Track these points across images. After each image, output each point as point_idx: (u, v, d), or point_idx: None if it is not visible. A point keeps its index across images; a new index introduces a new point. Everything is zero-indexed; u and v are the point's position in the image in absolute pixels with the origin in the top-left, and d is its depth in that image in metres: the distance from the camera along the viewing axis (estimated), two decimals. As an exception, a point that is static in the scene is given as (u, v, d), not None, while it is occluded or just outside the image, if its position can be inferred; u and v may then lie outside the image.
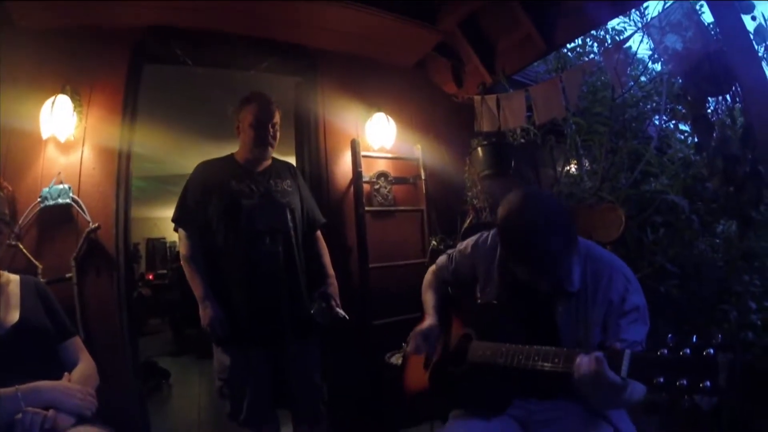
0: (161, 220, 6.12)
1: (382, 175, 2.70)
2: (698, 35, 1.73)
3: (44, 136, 2.08)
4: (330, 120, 2.62)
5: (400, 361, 2.13)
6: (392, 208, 2.72)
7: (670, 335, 0.88)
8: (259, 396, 1.93)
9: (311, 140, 2.59)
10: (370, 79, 2.72)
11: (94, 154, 2.19)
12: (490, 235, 1.52)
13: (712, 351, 0.81)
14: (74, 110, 2.10)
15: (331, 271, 2.11)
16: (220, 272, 1.93)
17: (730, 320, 1.86)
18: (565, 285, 1.26)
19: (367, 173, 2.66)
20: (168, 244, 5.22)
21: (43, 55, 2.12)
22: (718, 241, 2.15)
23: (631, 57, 1.99)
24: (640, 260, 2.04)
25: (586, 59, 2.63)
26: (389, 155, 2.75)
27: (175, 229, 2.01)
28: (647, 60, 2.16)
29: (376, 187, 2.68)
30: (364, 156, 2.64)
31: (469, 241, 1.59)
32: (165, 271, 5.18)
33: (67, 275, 2.05)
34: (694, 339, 0.85)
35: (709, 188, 1.78)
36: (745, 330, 1.88)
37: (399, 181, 2.76)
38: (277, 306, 1.92)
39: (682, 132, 2.40)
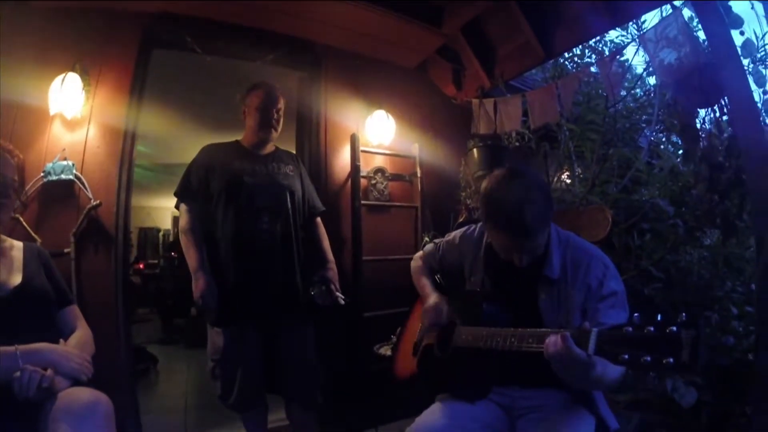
0: (155, 209, 6.12)
1: (380, 170, 2.76)
2: (690, 48, 1.81)
3: (51, 112, 2.11)
4: (331, 114, 2.68)
5: (389, 353, 2.17)
6: (387, 204, 2.79)
7: (636, 314, 0.91)
8: (251, 378, 1.96)
9: (312, 133, 2.66)
10: (373, 77, 2.79)
11: (99, 133, 2.23)
12: (477, 227, 1.58)
13: (675, 328, 0.84)
14: (83, 89, 2.13)
15: (330, 256, 2.16)
16: (217, 247, 1.97)
17: (711, 325, 1.92)
18: (546, 271, 1.32)
19: (365, 168, 2.72)
20: (162, 233, 5.20)
21: (55, 33, 2.15)
22: (705, 254, 2.23)
23: (625, 68, 2.07)
24: (625, 263, 2.12)
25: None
26: (387, 152, 2.81)
27: (177, 205, 2.05)
28: (642, 72, 2.24)
29: (373, 182, 2.74)
30: (363, 151, 2.71)
31: (457, 233, 1.65)
32: (156, 261, 5.19)
33: (66, 250, 2.08)
34: (659, 317, 0.87)
35: (695, 195, 1.85)
36: (726, 335, 1.94)
37: (395, 177, 2.82)
38: (271, 283, 1.96)
39: (673, 144, 2.48)
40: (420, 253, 1.79)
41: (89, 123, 2.21)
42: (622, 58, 2.18)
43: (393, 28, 2.52)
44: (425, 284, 1.68)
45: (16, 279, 1.39)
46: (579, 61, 2.86)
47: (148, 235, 6.23)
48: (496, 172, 1.34)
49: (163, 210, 5.74)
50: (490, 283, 1.46)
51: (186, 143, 2.03)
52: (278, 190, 2.03)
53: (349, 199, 2.68)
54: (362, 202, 2.67)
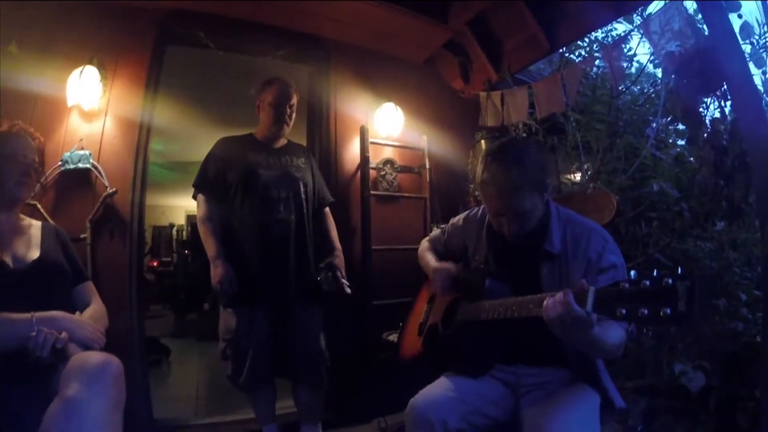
0: (169, 208, 6.20)
1: (389, 162, 2.81)
2: (690, 34, 1.82)
3: (69, 103, 2.19)
4: (340, 107, 2.74)
5: (396, 339, 2.20)
6: (396, 194, 2.83)
7: (633, 271, 0.93)
8: (261, 358, 2.02)
9: (322, 126, 2.72)
10: (381, 71, 2.84)
11: (115, 125, 2.30)
12: (480, 209, 1.61)
13: (670, 281, 0.85)
14: (100, 81, 2.20)
15: (338, 244, 2.23)
16: (234, 236, 2.05)
17: (720, 311, 1.91)
18: (547, 246, 1.34)
19: (374, 160, 2.77)
20: (175, 228, 5.29)
21: (73, 28, 2.22)
22: (711, 246, 2.23)
23: (628, 56, 2.08)
24: (633, 251, 2.12)
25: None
26: (396, 143, 2.86)
27: (194, 196, 2.12)
28: (647, 62, 2.25)
29: (382, 173, 2.79)
30: (372, 143, 2.75)
31: (461, 215, 1.69)
32: (170, 259, 5.28)
33: (82, 236, 2.14)
34: (655, 273, 0.89)
35: (699, 180, 1.85)
36: (735, 321, 1.93)
37: (404, 169, 2.87)
38: (285, 269, 2.04)
39: (679, 133, 2.48)
40: (426, 238, 1.83)
41: (106, 115, 2.28)
42: (628, 52, 2.21)
43: (400, 23, 2.57)
44: (430, 258, 1.71)
45: (34, 254, 1.45)
46: (586, 54, 2.88)
47: (162, 233, 6.29)
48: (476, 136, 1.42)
49: (177, 209, 5.84)
50: (493, 260, 1.49)
51: (200, 140, 2.09)
52: (291, 181, 2.11)
53: (358, 189, 2.73)
54: (371, 192, 2.72)
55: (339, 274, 2.11)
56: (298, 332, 2.06)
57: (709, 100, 1.84)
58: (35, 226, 1.54)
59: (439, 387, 1.39)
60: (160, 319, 4.48)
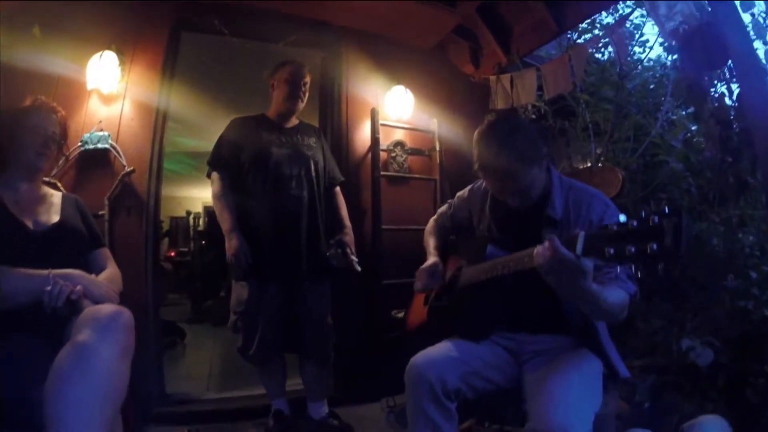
0: (186, 199, 6.33)
1: (399, 144, 2.85)
2: (696, 14, 1.81)
3: (89, 87, 2.27)
4: (352, 90, 2.79)
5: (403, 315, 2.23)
6: (407, 176, 2.87)
7: (622, 216, 0.94)
8: (271, 331, 2.07)
9: (334, 108, 2.77)
10: (392, 56, 2.88)
11: (133, 108, 2.38)
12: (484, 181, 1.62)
13: (656, 218, 0.86)
14: (118, 65, 2.28)
15: (347, 222, 2.27)
16: (247, 212, 2.10)
17: (729, 290, 1.89)
18: (549, 211, 1.35)
19: (385, 142, 2.82)
20: (192, 215, 5.38)
21: (92, 13, 2.29)
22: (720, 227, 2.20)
23: (632, 33, 2.08)
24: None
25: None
26: (406, 126, 2.90)
27: (208, 174, 2.18)
28: (655, 41, 2.24)
29: (393, 155, 2.83)
30: (383, 125, 2.80)
31: (467, 188, 1.72)
32: (187, 249, 5.39)
33: (100, 212, 2.22)
34: (643, 214, 0.90)
35: (707, 157, 1.84)
36: (745, 300, 1.90)
37: (415, 152, 2.91)
38: (297, 244, 2.09)
39: (690, 118, 2.46)
40: (434, 216, 1.86)
41: (124, 98, 2.37)
42: (640, 37, 2.21)
43: (409, 8, 2.60)
44: (429, 244, 1.75)
45: (54, 218, 1.52)
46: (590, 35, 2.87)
47: (180, 223, 6.43)
48: (485, 119, 1.42)
49: (194, 200, 5.94)
50: (495, 228, 1.51)
51: (215, 131, 2.15)
52: (302, 159, 2.16)
53: (369, 170, 2.77)
54: (382, 173, 2.76)
55: (348, 250, 2.15)
56: (307, 307, 2.11)
57: (716, 79, 1.83)
58: (56, 195, 1.61)
59: (440, 348, 1.41)
60: (178, 307, 4.58)
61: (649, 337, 2.10)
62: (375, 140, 2.75)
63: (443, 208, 1.83)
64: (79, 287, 1.29)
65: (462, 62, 2.93)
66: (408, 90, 2.81)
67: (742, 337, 1.80)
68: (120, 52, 2.31)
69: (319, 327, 2.14)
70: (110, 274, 1.57)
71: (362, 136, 2.82)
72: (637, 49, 2.64)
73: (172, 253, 5.60)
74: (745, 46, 1.65)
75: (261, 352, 2.08)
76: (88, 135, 2.26)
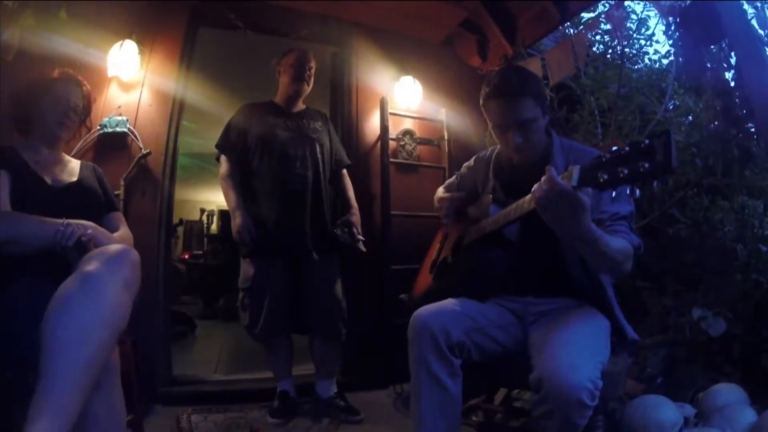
0: (200, 203, 6.40)
1: (408, 132, 2.91)
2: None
3: (110, 74, 2.38)
4: (362, 81, 2.88)
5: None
6: (416, 163, 2.92)
7: (614, 147, 0.95)
8: (277, 308, 2.10)
9: (344, 99, 2.86)
10: (401, 49, 2.96)
11: (151, 95, 2.48)
12: (489, 149, 1.65)
13: (647, 141, 0.88)
14: (138, 53, 2.39)
15: (354, 203, 2.31)
16: (253, 191, 2.16)
17: (739, 260, 1.87)
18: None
19: (394, 131, 2.88)
20: (206, 213, 5.45)
21: (114, 6, 2.41)
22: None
23: (629, 14, 2.12)
24: (651, 206, 2.11)
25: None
26: (415, 115, 2.97)
27: (217, 158, 2.27)
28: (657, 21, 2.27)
29: (402, 143, 2.89)
30: (392, 114, 2.87)
31: (473, 157, 1.73)
32: (200, 252, 5.47)
33: (116, 192, 2.30)
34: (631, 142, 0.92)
35: (710, 128, 1.84)
36: (757, 273, 1.87)
37: (424, 141, 2.97)
38: (302, 222, 2.13)
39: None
40: (442, 186, 1.88)
41: (143, 86, 2.46)
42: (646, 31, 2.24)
43: (419, 3, 2.70)
44: (443, 195, 1.75)
45: (72, 178, 1.59)
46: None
47: (193, 227, 6.51)
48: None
49: (209, 203, 6.02)
50: (499, 189, 1.52)
51: None
52: (308, 141, 2.22)
53: (379, 158, 2.83)
54: (391, 160, 2.82)
55: (355, 230, 2.19)
56: (315, 281, 2.14)
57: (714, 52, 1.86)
58: (74, 161, 1.68)
59: (444, 303, 1.39)
60: (190, 306, 4.63)
61: (660, 317, 2.08)
62: (384, 128, 2.82)
63: (450, 179, 1.85)
64: (90, 231, 1.32)
65: (469, 55, 3.00)
66: (416, 80, 2.88)
67: (756, 307, 1.77)
68: (140, 43, 2.42)
69: (328, 300, 2.16)
70: (123, 233, 1.61)
71: (372, 125, 2.89)
72: (642, 41, 2.68)
73: (186, 256, 5.68)
74: (740, 18, 1.67)
75: (267, 330, 2.11)
76: (107, 119, 2.36)
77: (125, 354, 1.83)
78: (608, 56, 2.58)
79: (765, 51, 1.63)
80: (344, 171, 2.38)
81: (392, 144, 2.87)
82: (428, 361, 1.25)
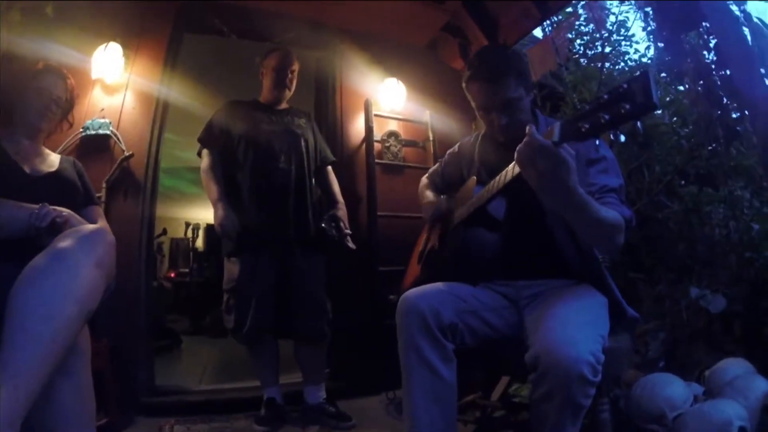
0: (187, 220, 6.27)
1: (393, 134, 2.92)
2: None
3: (93, 76, 2.37)
4: (346, 84, 2.90)
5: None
6: (401, 164, 2.91)
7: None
8: (263, 308, 2.04)
9: (328, 101, 2.87)
10: (385, 52, 2.98)
11: (135, 98, 2.48)
12: (474, 134, 1.64)
13: (624, 84, 0.85)
14: (123, 55, 2.39)
15: (340, 198, 2.28)
16: (236, 186, 2.13)
17: (731, 239, 1.86)
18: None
19: (379, 133, 2.89)
20: (191, 226, 5.34)
21: (99, 9, 2.42)
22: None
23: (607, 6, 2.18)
24: (641, 193, 2.11)
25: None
26: (400, 117, 2.99)
27: (198, 153, 2.22)
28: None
29: (387, 145, 2.89)
30: (377, 115, 2.88)
31: (458, 143, 1.72)
32: (187, 270, 5.36)
33: (98, 195, 2.25)
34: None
35: (694, 110, 1.86)
36: (750, 251, 1.85)
37: (409, 143, 2.97)
38: (285, 216, 2.09)
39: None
40: (426, 174, 1.86)
41: (126, 89, 2.46)
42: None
43: (402, 8, 2.74)
44: (427, 196, 1.74)
45: (51, 169, 1.57)
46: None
47: (180, 244, 6.43)
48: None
49: (195, 221, 5.91)
50: (484, 172, 1.48)
51: None
52: (292, 136, 2.20)
53: (364, 159, 2.82)
54: (376, 161, 2.81)
55: (342, 224, 2.15)
56: (300, 280, 2.09)
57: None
58: (55, 155, 1.67)
59: (434, 285, 1.33)
60: (175, 323, 4.51)
61: (655, 305, 2.05)
62: (369, 129, 2.83)
63: (435, 167, 1.83)
64: (66, 214, 1.30)
65: (452, 58, 3.04)
66: (400, 82, 2.91)
67: (752, 285, 1.75)
68: (125, 46, 2.42)
69: (313, 300, 2.10)
70: (101, 225, 1.58)
71: (357, 126, 2.90)
72: (622, 41, 2.74)
73: (172, 274, 5.58)
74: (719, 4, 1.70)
75: (254, 331, 2.04)
76: (90, 121, 2.34)
77: (100, 352, 1.77)
78: (589, 53, 2.62)
79: (744, 30, 1.66)
80: (329, 167, 2.35)
81: (377, 146, 2.87)
82: (419, 346, 1.16)
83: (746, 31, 1.60)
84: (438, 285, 1.32)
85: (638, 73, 0.87)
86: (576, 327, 1.06)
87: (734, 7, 1.68)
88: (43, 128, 1.61)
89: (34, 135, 1.58)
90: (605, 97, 0.89)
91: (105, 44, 2.37)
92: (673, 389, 1.54)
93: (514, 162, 1.08)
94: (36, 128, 1.57)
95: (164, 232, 3.67)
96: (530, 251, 1.36)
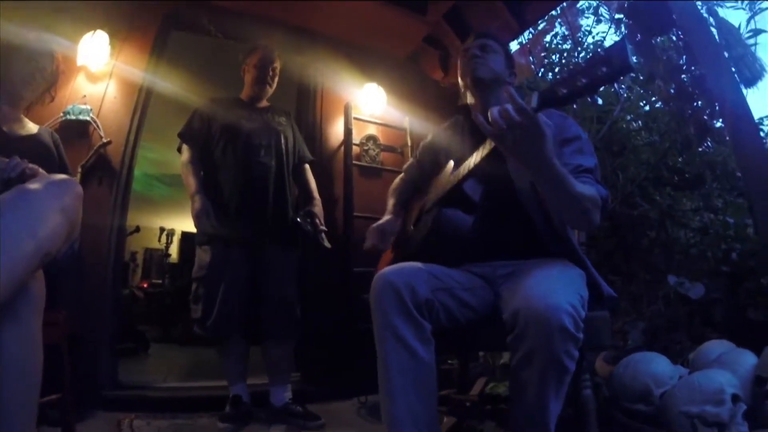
0: (163, 230, 6.13)
1: (372, 138, 2.96)
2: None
3: (79, 62, 2.39)
4: (327, 87, 2.95)
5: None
6: (379, 167, 2.95)
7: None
8: (232, 299, 2.02)
9: (309, 104, 2.92)
10: (367, 59, 3.06)
11: (118, 88, 2.50)
12: (447, 123, 1.63)
13: (600, 51, 0.92)
14: (109, 43, 2.41)
15: (317, 195, 2.29)
16: (215, 178, 2.13)
17: (709, 233, 1.89)
18: None
19: (358, 137, 2.93)
20: (165, 232, 5.20)
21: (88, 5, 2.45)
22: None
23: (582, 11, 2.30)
24: (615, 192, 2.16)
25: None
26: (379, 121, 3.04)
27: (179, 148, 2.22)
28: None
29: (366, 148, 2.93)
30: (356, 119, 2.93)
31: (430, 135, 1.70)
32: (160, 281, 5.22)
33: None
34: None
35: (668, 109, 1.93)
36: (725, 243, 1.89)
37: (387, 148, 3.02)
38: (263, 209, 2.10)
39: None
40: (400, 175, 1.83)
41: (110, 78, 2.48)
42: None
43: (384, 16, 2.82)
44: (389, 204, 1.72)
45: (28, 132, 1.61)
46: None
47: (154, 255, 6.34)
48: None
49: (171, 228, 5.78)
50: (461, 155, 1.45)
51: None
52: (273, 132, 2.23)
53: (342, 161, 2.86)
54: (354, 162, 2.84)
55: (318, 221, 2.15)
56: (271, 275, 2.08)
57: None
58: (33, 124, 1.69)
59: (408, 263, 1.25)
60: (146, 332, 4.38)
61: (633, 303, 2.06)
62: (348, 131, 2.88)
63: (410, 161, 1.80)
64: (36, 167, 1.28)
65: (432, 69, 3.13)
66: (380, 87, 2.98)
67: (730, 276, 1.77)
68: (112, 35, 2.45)
69: (283, 298, 2.08)
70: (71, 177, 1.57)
71: (336, 129, 2.95)
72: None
73: (145, 284, 5.45)
74: (687, 4, 1.80)
75: (220, 324, 2.00)
76: (71, 106, 2.35)
77: (58, 323, 1.69)
78: (563, 61, 2.73)
79: (713, 33, 1.75)
80: (306, 166, 2.36)
81: (356, 148, 2.91)
82: (395, 325, 1.08)
83: (713, 24, 1.71)
84: (413, 263, 1.25)
85: (615, 42, 0.91)
86: (553, 282, 1.04)
87: (699, 3, 1.80)
88: (26, 96, 1.63)
89: (15, 102, 1.60)
90: (582, 64, 0.93)
91: (93, 31, 2.39)
92: (657, 365, 1.51)
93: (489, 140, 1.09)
94: (18, 95, 1.60)
95: (137, 229, 3.59)
96: (506, 232, 1.33)
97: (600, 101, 2.46)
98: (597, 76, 0.88)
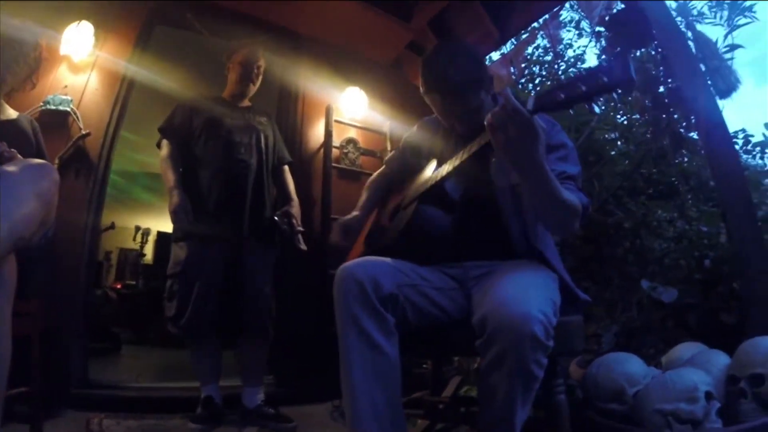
0: (139, 230, 6.02)
1: (351, 141, 2.98)
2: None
3: (62, 52, 2.35)
4: (309, 90, 2.95)
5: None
6: (359, 170, 2.96)
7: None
8: (207, 297, 1.99)
9: (290, 106, 2.92)
10: (350, 65, 3.07)
11: (99, 80, 2.47)
12: (430, 118, 1.59)
13: (604, 61, 0.93)
14: (93, 34, 2.38)
15: (294, 196, 2.27)
16: (195, 174, 2.11)
17: (682, 241, 1.95)
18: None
19: (338, 140, 2.95)
20: (141, 231, 5.08)
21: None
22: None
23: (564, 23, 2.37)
24: (591, 199, 2.21)
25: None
26: (360, 125, 3.06)
27: (158, 143, 2.19)
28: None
29: (345, 151, 2.95)
30: (337, 121, 2.95)
31: (414, 128, 1.70)
32: (134, 282, 5.08)
33: (50, 170, 2.18)
34: None
35: (643, 119, 1.99)
36: (698, 251, 1.94)
37: (367, 152, 3.03)
38: (242, 206, 2.08)
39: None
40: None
41: (92, 69, 2.45)
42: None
43: (368, 20, 2.84)
44: (361, 198, 1.70)
45: (7, 118, 1.59)
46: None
47: (128, 255, 6.16)
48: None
49: (146, 227, 5.65)
50: (444, 156, 1.39)
51: None
52: (253, 131, 2.22)
53: (321, 163, 2.86)
54: (333, 165, 2.85)
55: (294, 221, 2.14)
56: (247, 274, 2.06)
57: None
58: (13, 111, 1.68)
59: (374, 257, 1.23)
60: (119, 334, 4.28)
61: (606, 309, 2.09)
62: (328, 133, 2.90)
63: (392, 154, 1.78)
64: (14, 151, 1.30)
65: (414, 75, 3.12)
66: (362, 91, 2.99)
67: (703, 282, 1.81)
68: (96, 26, 2.41)
69: (258, 296, 2.07)
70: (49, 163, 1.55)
71: (317, 131, 2.96)
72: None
73: (119, 285, 5.31)
74: (666, 18, 1.86)
75: (194, 322, 1.97)
76: (51, 96, 2.31)
77: (30, 314, 1.65)
78: (544, 73, 2.81)
79: (690, 46, 1.82)
80: (285, 167, 2.35)
81: (336, 151, 2.92)
82: (358, 317, 1.07)
83: (690, 37, 1.77)
84: (379, 258, 1.23)
85: (617, 53, 0.94)
86: (525, 287, 1.03)
87: (679, 19, 1.86)
88: (7, 80, 1.61)
89: None
90: (584, 71, 0.94)
91: (77, 21, 2.35)
92: (631, 365, 1.51)
93: (479, 137, 1.09)
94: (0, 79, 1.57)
95: (112, 226, 3.51)
96: (482, 232, 1.31)
97: (572, 112, 2.51)
98: (597, 84, 0.88)
